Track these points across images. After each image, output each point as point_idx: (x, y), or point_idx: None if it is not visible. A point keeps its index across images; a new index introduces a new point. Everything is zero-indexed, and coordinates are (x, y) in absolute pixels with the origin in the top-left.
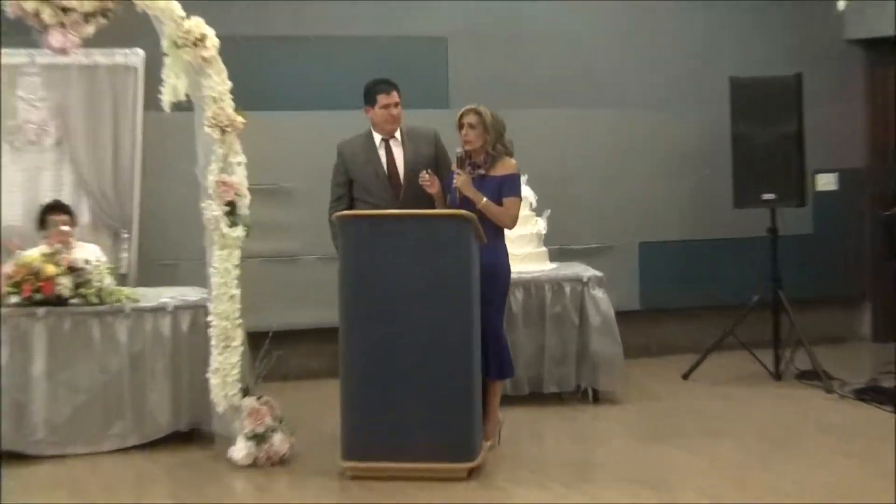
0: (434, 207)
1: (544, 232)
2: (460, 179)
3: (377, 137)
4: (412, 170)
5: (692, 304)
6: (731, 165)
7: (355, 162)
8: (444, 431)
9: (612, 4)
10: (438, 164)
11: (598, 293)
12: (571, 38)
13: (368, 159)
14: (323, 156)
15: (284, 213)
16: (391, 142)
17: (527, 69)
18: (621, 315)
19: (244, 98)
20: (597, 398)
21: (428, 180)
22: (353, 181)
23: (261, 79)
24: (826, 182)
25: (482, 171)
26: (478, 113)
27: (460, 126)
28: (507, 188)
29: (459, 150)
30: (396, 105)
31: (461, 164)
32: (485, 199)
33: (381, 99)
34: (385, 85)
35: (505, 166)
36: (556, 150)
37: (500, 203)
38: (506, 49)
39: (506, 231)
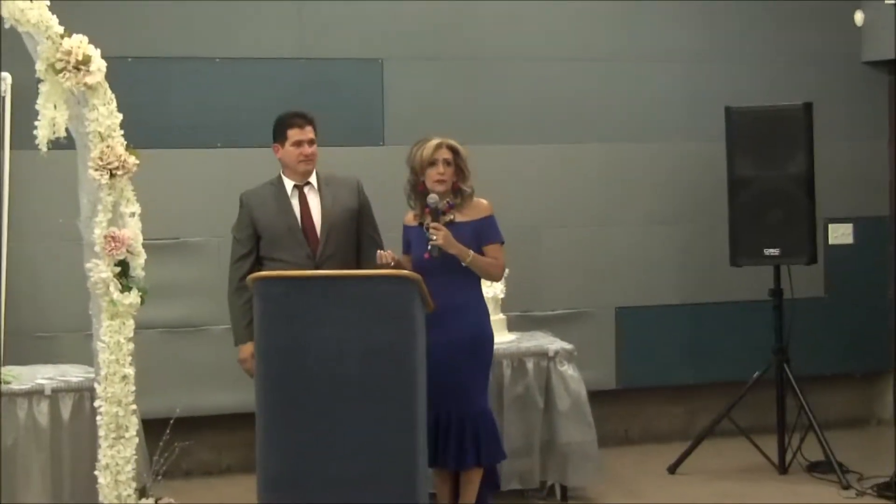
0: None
1: (502, 296)
2: (441, 235)
3: (289, 184)
4: (331, 222)
5: (680, 382)
6: (728, 214)
7: (264, 214)
8: None
9: (586, 23)
10: (361, 217)
11: (568, 370)
12: (537, 62)
13: (280, 210)
14: (235, 203)
15: (188, 273)
16: (306, 189)
17: (481, 98)
18: (595, 396)
19: (138, 134)
20: (565, 496)
21: (391, 260)
22: (259, 237)
23: (158, 110)
24: (841, 234)
25: (450, 217)
26: (453, 149)
27: (431, 163)
28: (487, 232)
29: (433, 198)
30: (311, 142)
31: (436, 216)
32: (472, 253)
33: (293, 134)
34: (297, 118)
35: (478, 208)
36: (515, 195)
37: (480, 253)
38: (455, 74)
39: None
